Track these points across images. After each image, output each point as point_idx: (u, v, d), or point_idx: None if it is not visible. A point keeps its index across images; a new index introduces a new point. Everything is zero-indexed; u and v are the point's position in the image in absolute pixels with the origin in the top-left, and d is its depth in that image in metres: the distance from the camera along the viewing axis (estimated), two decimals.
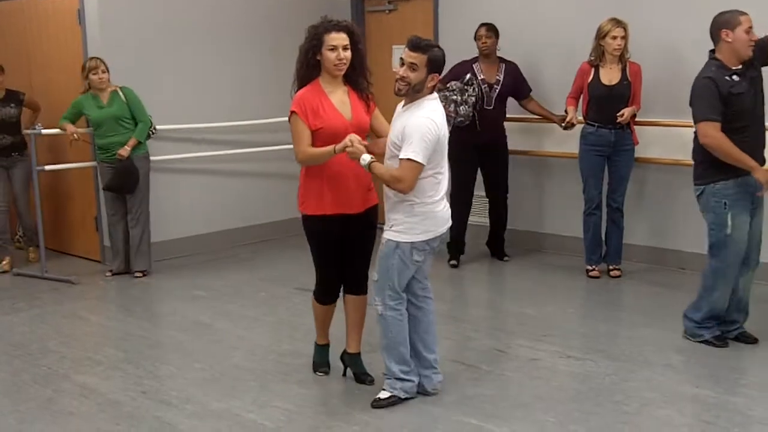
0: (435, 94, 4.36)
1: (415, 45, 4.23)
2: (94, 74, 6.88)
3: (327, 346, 4.99)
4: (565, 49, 7.21)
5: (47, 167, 7.19)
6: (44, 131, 7.05)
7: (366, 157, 4.21)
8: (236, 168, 8.28)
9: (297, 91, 4.53)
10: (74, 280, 7.05)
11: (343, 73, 4.48)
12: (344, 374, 4.88)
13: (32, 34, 7.95)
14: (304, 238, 8.15)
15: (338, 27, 4.42)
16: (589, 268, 6.90)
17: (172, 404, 4.58)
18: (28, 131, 7.11)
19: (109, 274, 7.24)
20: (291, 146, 8.81)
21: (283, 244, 8.28)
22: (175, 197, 7.75)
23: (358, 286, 4.75)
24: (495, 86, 7.15)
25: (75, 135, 6.96)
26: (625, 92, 6.58)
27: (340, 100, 4.49)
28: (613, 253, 6.89)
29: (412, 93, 4.25)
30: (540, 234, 7.78)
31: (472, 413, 4.36)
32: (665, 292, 6.40)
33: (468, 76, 7.05)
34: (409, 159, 4.14)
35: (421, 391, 4.58)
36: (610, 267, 6.90)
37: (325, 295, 4.79)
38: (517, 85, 7.27)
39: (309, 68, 4.48)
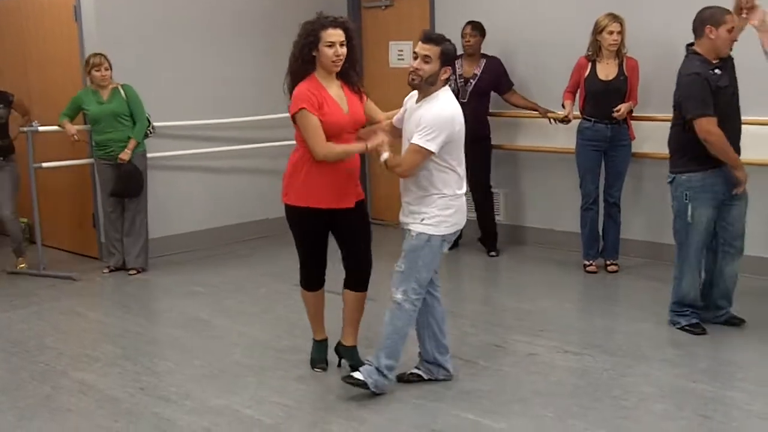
0: (447, 87, 4.41)
1: (428, 38, 4.33)
2: (96, 71, 6.87)
3: (325, 341, 4.99)
4: (563, 45, 7.19)
5: (44, 164, 7.17)
6: (41, 128, 7.04)
7: (386, 155, 4.30)
8: (234, 164, 8.28)
9: (290, 86, 4.54)
10: (75, 277, 7.05)
11: (339, 69, 4.50)
12: (339, 365, 4.89)
13: (29, 32, 7.94)
14: None
15: (335, 23, 4.44)
16: (587, 263, 6.91)
17: (170, 400, 4.58)
18: (25, 129, 7.09)
19: (106, 270, 7.24)
20: (288, 143, 8.84)
21: (280, 240, 8.22)
22: (173, 194, 7.75)
23: (362, 284, 4.75)
24: (471, 80, 7.25)
25: (75, 136, 6.95)
26: (621, 87, 6.58)
27: (336, 94, 4.52)
28: (610, 248, 6.90)
29: (426, 86, 4.31)
30: (537, 229, 7.78)
31: (470, 408, 4.37)
32: (662, 287, 6.39)
33: None
34: (416, 144, 4.21)
35: (444, 377, 4.68)
36: (607, 262, 6.91)
37: (309, 283, 4.85)
38: (497, 80, 7.34)
39: (304, 64, 4.48)
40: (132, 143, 6.95)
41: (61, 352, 5.39)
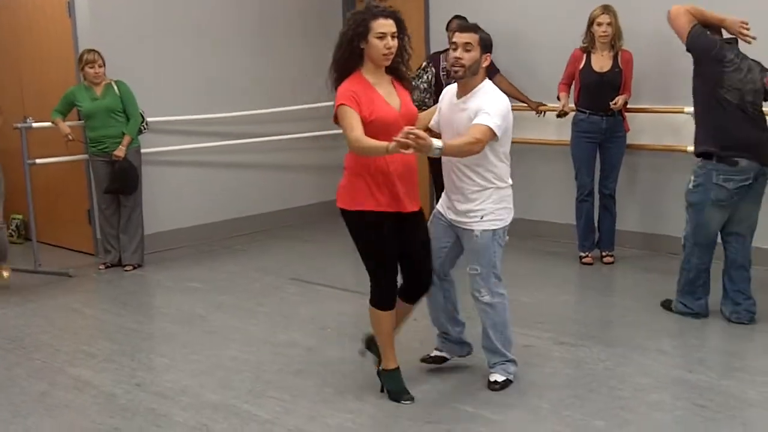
0: (488, 79, 4.37)
1: (465, 27, 4.33)
2: (90, 67, 6.85)
3: (399, 368, 4.48)
4: (555, 39, 7.21)
5: (38, 161, 7.16)
6: (35, 125, 7.02)
7: (438, 143, 3.94)
8: (228, 159, 8.27)
9: (335, 81, 4.22)
10: (71, 273, 7.04)
11: (390, 63, 4.18)
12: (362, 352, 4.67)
13: (22, 28, 7.91)
14: (296, 229, 8.15)
15: (385, 13, 4.12)
16: (582, 254, 6.92)
17: (167, 396, 4.57)
18: (19, 125, 7.06)
19: (102, 267, 7.23)
20: (282, 137, 8.86)
21: (276, 234, 8.29)
22: (167, 189, 7.75)
23: (415, 294, 4.49)
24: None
25: (70, 136, 6.92)
26: (615, 79, 6.59)
27: (386, 91, 4.20)
28: (605, 240, 6.91)
29: (470, 75, 4.26)
30: (533, 221, 7.78)
31: (467, 400, 4.37)
32: (658, 278, 6.42)
33: (424, 63, 7.16)
34: (486, 125, 4.12)
35: (467, 353, 4.82)
36: (603, 253, 6.92)
37: (390, 301, 4.36)
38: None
39: (351, 57, 4.15)
40: (126, 139, 6.93)
41: (58, 349, 5.38)
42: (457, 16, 7.28)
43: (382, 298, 4.34)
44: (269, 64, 8.36)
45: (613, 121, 6.66)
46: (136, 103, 7.03)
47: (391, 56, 4.15)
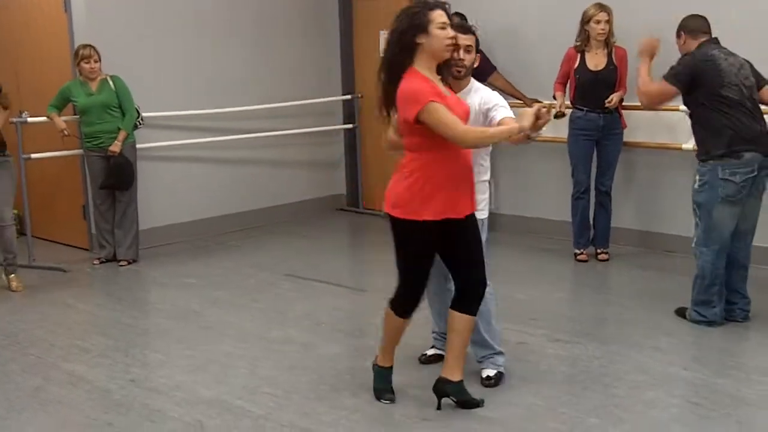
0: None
1: (465, 28, 4.33)
2: (86, 63, 6.83)
3: (392, 367, 4.42)
4: (550, 36, 7.20)
5: (33, 155, 7.13)
6: (30, 119, 7.00)
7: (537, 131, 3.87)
8: (224, 155, 8.25)
9: (386, 82, 3.95)
10: (65, 268, 7.02)
11: (450, 56, 3.95)
12: (439, 407, 4.25)
13: (18, 23, 7.89)
14: (291, 225, 8.12)
15: (441, 6, 3.90)
16: (577, 251, 6.92)
17: (161, 392, 4.57)
18: (15, 120, 7.03)
19: (97, 262, 7.22)
20: (276, 133, 8.84)
21: (270, 230, 8.27)
22: (162, 185, 7.73)
23: (471, 303, 4.18)
24: None
25: (66, 131, 6.90)
26: (611, 77, 6.59)
27: (444, 88, 3.98)
28: (600, 237, 6.91)
29: (467, 74, 4.32)
30: (528, 218, 7.79)
31: None
32: (653, 276, 6.43)
33: None
34: (512, 117, 4.14)
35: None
36: (598, 250, 6.92)
37: (408, 309, 4.20)
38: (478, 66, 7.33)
39: (403, 52, 3.88)
40: (122, 135, 6.91)
41: (52, 344, 5.37)
42: (456, 13, 7.27)
43: (403, 303, 4.18)
44: (267, 62, 8.34)
45: (610, 118, 6.66)
46: (132, 99, 7.01)
47: (452, 48, 3.92)
